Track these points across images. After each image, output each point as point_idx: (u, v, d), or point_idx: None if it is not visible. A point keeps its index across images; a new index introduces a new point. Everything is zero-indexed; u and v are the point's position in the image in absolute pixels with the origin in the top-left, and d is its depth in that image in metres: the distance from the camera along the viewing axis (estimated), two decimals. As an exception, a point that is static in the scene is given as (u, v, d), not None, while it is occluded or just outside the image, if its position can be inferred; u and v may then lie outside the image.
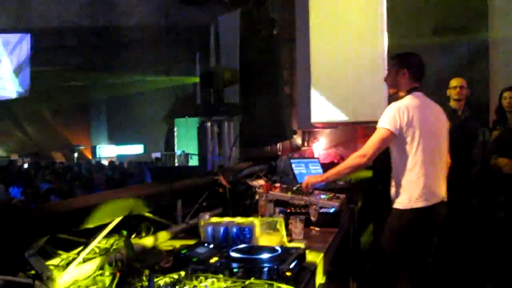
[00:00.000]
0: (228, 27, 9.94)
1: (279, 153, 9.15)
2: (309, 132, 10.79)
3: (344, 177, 3.87)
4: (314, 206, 3.45)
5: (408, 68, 3.67)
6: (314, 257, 2.75)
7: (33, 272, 2.26)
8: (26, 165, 16.14)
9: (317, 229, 3.43)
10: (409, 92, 3.64)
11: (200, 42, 12.72)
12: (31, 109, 18.01)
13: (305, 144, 11.22)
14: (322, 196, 3.79)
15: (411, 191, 3.52)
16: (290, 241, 3.06)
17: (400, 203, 3.58)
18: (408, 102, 3.57)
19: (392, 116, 3.47)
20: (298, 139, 10.96)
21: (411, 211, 3.53)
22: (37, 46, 13.87)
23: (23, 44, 13.96)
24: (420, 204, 3.51)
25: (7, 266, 2.24)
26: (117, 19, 12.79)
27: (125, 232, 2.77)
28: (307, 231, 3.34)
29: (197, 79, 12.04)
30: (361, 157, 3.48)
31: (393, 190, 3.67)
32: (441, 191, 3.63)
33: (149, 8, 12.51)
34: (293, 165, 4.85)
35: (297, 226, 3.15)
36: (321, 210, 3.57)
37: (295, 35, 8.78)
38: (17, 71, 14.19)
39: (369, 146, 3.48)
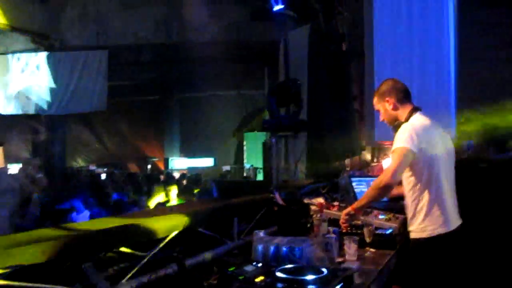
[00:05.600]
0: (297, 42, 9.99)
1: (347, 169, 9.04)
2: (379, 148, 10.60)
3: (376, 200, 3.49)
4: (370, 227, 3.39)
5: (389, 96, 3.42)
6: (365, 280, 2.71)
7: (88, 283, 2.37)
8: (103, 175, 16.77)
9: (373, 250, 3.37)
10: (412, 113, 3.38)
11: (269, 57, 12.86)
12: (109, 122, 18.81)
13: (375, 160, 11.02)
14: (380, 216, 3.73)
15: (431, 216, 3.23)
16: (342, 261, 3.03)
17: (423, 232, 3.27)
18: (419, 121, 3.31)
19: (407, 135, 3.21)
20: (367, 155, 10.80)
21: (435, 239, 3.24)
22: (114, 62, 14.53)
23: (101, 60, 14.65)
24: (443, 229, 3.23)
25: (65, 277, 2.36)
26: (190, 35, 13.16)
27: (177, 248, 2.84)
28: (362, 252, 3.29)
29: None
30: (384, 176, 3.21)
31: (410, 217, 3.35)
32: (457, 214, 3.38)
33: (221, 24, 12.79)
34: (353, 183, 4.78)
35: (351, 247, 3.12)
36: (378, 231, 3.51)
37: (364, 49, 8.71)
38: (96, 86, 14.91)
39: (391, 165, 3.22)
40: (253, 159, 16.41)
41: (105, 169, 17.77)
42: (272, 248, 2.78)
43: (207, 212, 3.34)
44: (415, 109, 3.41)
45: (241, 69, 15.16)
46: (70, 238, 2.44)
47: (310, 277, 2.25)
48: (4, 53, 15.47)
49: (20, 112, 15.60)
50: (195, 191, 9.04)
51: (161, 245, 2.81)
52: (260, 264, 2.56)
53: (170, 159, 19.41)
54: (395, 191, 3.45)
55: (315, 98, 8.87)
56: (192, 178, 12.70)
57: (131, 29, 14.06)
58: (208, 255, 3.15)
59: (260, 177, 14.07)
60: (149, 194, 9.76)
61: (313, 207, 3.77)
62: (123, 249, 2.70)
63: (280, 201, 3.52)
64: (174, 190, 9.04)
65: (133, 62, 15.00)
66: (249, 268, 2.50)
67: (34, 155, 14.96)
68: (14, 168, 15.88)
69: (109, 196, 8.65)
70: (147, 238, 2.81)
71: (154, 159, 19.83)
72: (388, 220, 3.66)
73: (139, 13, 14.21)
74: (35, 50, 15.20)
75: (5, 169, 15.48)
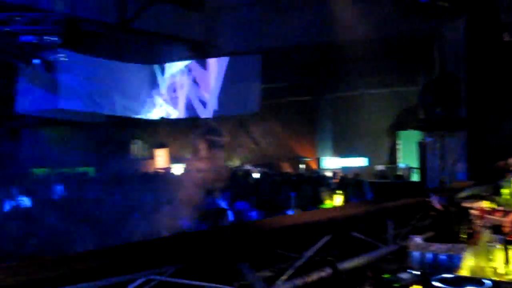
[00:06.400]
0: (454, 35, 9.50)
1: (512, 169, 8.37)
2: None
3: None
4: (541, 235, 3.10)
5: None
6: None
7: (245, 282, 2.48)
8: (257, 175, 17.30)
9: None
10: None
11: (423, 52, 12.35)
12: (263, 123, 19.37)
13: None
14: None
15: None
16: (508, 273, 2.81)
17: None
18: None
19: None
20: (536, 153, 9.91)
21: None
22: (267, 64, 14.99)
23: (255, 64, 15.25)
24: None
25: (223, 276, 2.49)
26: (340, 35, 13.10)
27: (331, 251, 2.85)
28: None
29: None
30: None
31: None
32: None
33: (371, 21, 12.54)
34: (520, 186, 4.41)
35: (518, 257, 2.88)
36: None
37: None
38: (250, 88, 15.56)
39: None
40: (407, 158, 15.90)
41: (259, 169, 18.36)
42: (429, 255, 2.67)
43: (360, 216, 3.31)
44: None
45: (393, 66, 14.74)
46: (226, 238, 2.57)
47: (471, 288, 2.13)
48: (163, 62, 16.75)
49: (182, 116, 16.82)
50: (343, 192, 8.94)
51: (315, 247, 2.85)
52: (416, 272, 2.48)
53: (322, 158, 19.47)
54: None
55: (475, 94, 8.39)
56: (346, 180, 12.62)
57: (282, 32, 14.39)
58: (361, 260, 3.12)
59: (415, 177, 13.59)
60: (301, 195, 9.85)
61: (473, 212, 3.54)
62: (278, 250, 2.78)
63: (437, 205, 3.37)
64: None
65: (286, 64, 15.33)
66: (404, 275, 2.43)
67: (195, 157, 15.93)
68: (177, 168, 17.20)
69: (265, 196, 8.91)
70: (302, 240, 2.87)
71: (306, 159, 20.02)
72: None
73: (290, 16, 14.50)
74: (192, 57, 16.22)
75: (169, 169, 16.82)
